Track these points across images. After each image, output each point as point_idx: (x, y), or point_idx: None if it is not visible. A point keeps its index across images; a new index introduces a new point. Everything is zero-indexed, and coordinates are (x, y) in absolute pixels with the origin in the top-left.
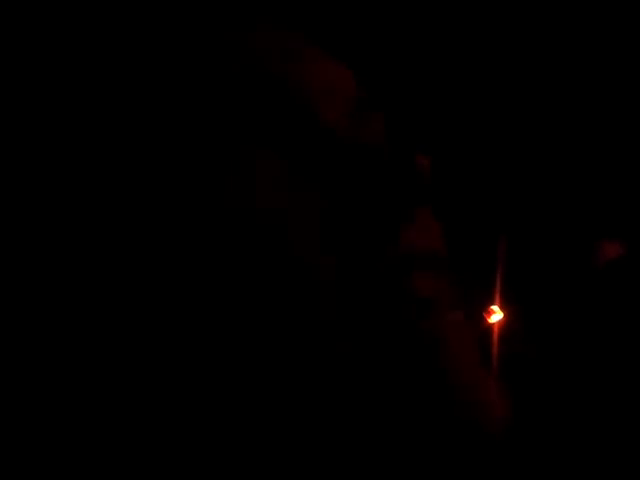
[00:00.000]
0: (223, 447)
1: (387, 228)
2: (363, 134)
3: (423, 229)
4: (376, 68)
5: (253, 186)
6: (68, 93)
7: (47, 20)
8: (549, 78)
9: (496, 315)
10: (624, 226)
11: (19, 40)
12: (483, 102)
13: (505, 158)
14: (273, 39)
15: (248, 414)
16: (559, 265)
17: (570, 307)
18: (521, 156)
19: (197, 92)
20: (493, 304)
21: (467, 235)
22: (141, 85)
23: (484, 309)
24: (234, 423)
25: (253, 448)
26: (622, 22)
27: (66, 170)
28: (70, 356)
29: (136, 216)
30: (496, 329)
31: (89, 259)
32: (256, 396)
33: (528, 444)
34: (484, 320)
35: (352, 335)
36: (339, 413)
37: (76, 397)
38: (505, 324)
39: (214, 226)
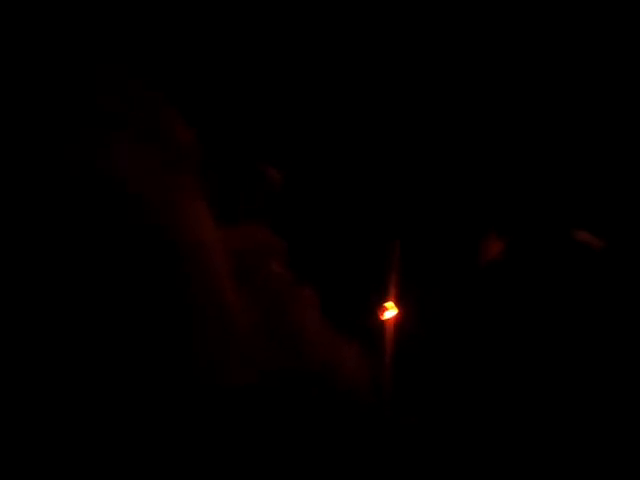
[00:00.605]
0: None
1: (242, 225)
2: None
3: (266, 227)
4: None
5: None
6: None
7: None
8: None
9: (390, 311)
10: (506, 226)
11: None
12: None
13: (399, 164)
14: (114, 84)
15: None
16: (448, 264)
17: (460, 302)
18: (412, 162)
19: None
20: (388, 301)
21: (364, 237)
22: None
23: (379, 306)
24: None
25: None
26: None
27: None
28: None
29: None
30: (390, 324)
31: None
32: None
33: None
34: (379, 316)
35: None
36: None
37: None
38: (399, 319)
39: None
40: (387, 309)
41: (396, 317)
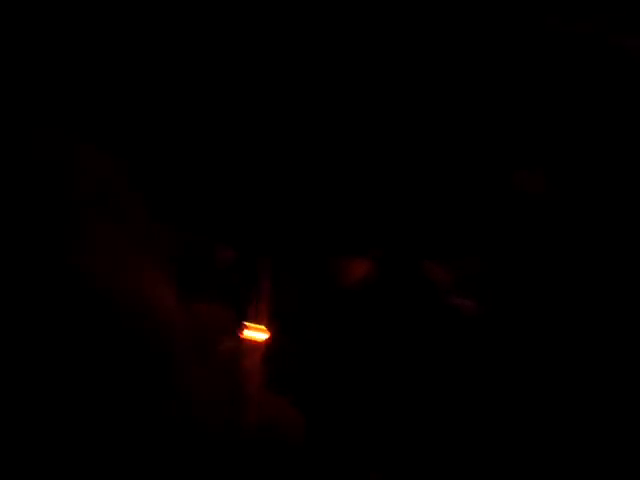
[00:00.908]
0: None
1: (199, 303)
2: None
3: (220, 305)
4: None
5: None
6: None
7: None
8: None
9: (260, 334)
10: (371, 246)
11: None
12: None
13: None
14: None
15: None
16: (316, 285)
17: (330, 323)
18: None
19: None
20: (258, 324)
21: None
22: None
23: (249, 329)
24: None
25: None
26: None
27: None
28: None
29: None
30: (261, 346)
31: None
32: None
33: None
34: (248, 339)
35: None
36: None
37: None
38: (269, 342)
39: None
40: (257, 331)
41: (266, 340)
